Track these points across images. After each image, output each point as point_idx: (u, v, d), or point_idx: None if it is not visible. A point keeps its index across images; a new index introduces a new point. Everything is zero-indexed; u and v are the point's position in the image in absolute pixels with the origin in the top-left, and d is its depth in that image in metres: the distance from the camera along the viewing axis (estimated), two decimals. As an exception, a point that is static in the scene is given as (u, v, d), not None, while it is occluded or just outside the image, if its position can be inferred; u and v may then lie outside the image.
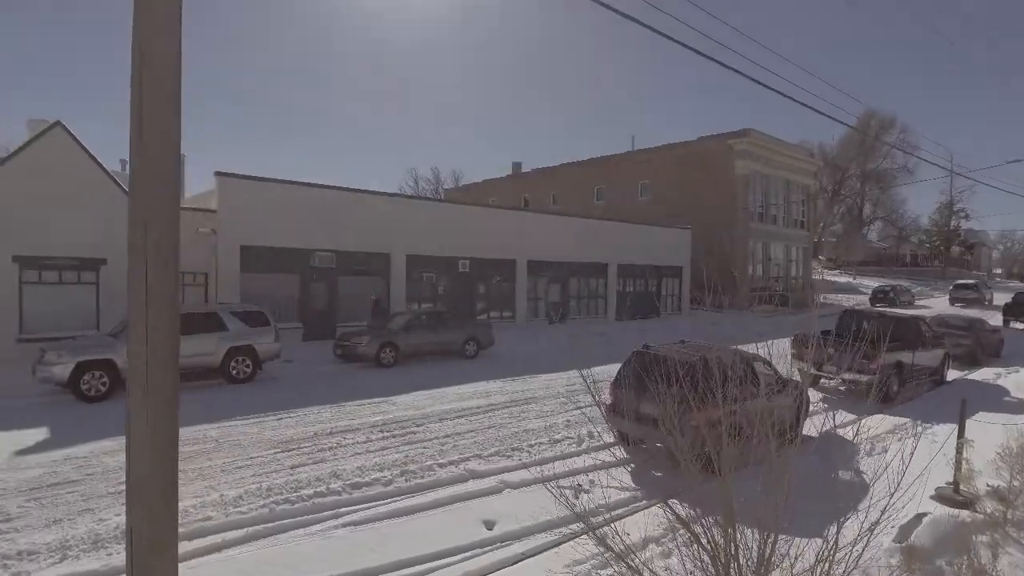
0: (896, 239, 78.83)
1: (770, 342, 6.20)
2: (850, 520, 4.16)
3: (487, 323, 18.20)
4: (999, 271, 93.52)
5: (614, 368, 9.59)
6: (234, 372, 13.23)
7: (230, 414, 10.52)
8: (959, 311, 35.26)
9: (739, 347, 9.69)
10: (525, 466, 8.44)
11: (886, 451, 8.41)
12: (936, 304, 45.51)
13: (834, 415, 7.45)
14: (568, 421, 10.88)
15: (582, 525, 4.58)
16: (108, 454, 8.32)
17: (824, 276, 59.20)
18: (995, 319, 26.29)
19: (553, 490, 4.78)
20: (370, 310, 19.40)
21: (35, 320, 14.92)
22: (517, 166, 56.29)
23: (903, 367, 13.99)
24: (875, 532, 4.05)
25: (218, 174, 17.36)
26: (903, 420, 11.49)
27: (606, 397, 9.53)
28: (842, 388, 14.29)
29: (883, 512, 3.98)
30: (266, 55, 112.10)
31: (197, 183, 39.58)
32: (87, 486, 7.20)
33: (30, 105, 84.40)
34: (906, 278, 64.85)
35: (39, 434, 9.30)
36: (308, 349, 17.51)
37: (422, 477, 7.77)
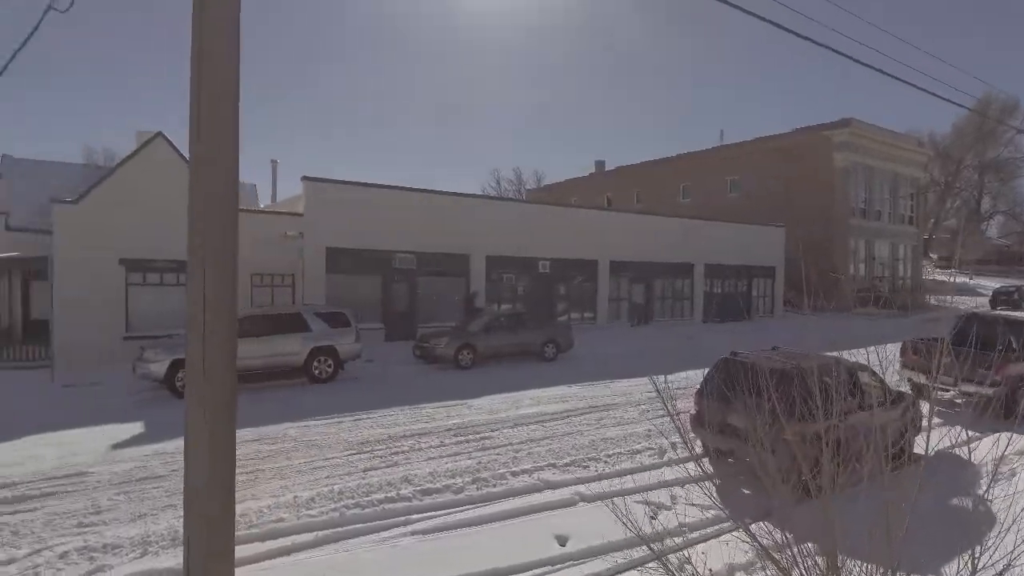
0: (1020, 235, 71.60)
1: (873, 348, 5.51)
2: (981, 560, 3.52)
3: (567, 325, 17.87)
4: None
5: (698, 375, 9.00)
6: (316, 372, 13.57)
7: (310, 413, 10.74)
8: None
9: (840, 354, 8.87)
10: (602, 477, 8.04)
11: (1015, 475, 7.40)
12: (1071, 307, 40.95)
13: (950, 431, 6.59)
14: (649, 431, 10.34)
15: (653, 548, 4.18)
16: (195, 450, 8.63)
17: (935, 276, 54.67)
18: None
19: (620, 511, 4.37)
20: (463, 307, 19.52)
21: (139, 320, 15.95)
22: (600, 165, 55.44)
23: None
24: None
25: (304, 179, 17.98)
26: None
27: (690, 406, 9.00)
28: (959, 401, 12.85)
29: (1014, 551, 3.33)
30: (342, 54, 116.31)
31: (284, 187, 41.47)
32: (171, 482, 7.45)
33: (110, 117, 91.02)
34: (1032, 277, 58.77)
35: (134, 428, 9.82)
36: (389, 349, 17.79)
37: (494, 486, 7.53)
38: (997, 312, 15.18)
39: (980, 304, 39.30)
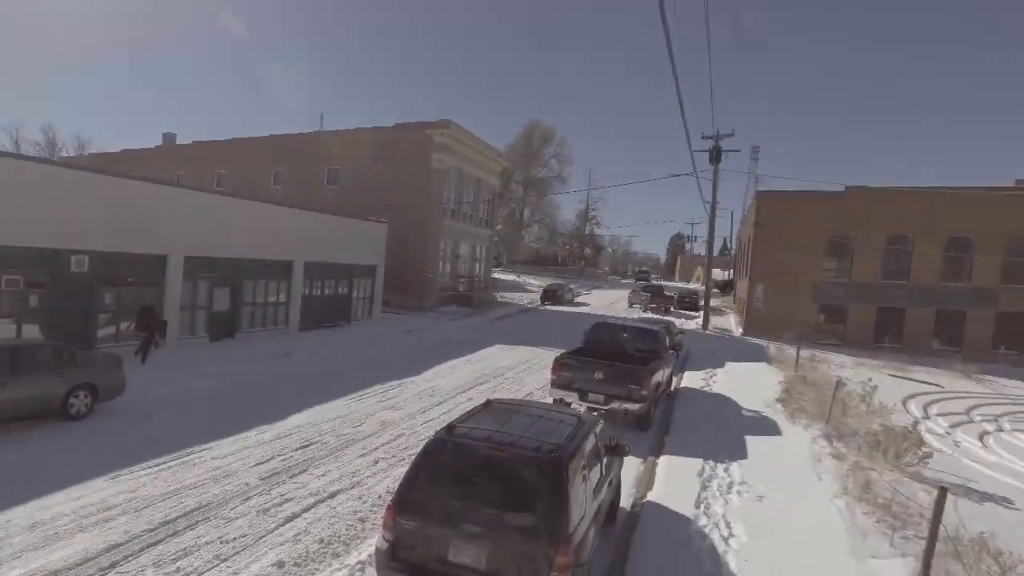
0: (548, 241, 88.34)
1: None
2: None
3: (112, 358, 11.69)
4: (607, 268, 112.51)
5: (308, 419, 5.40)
6: None
7: None
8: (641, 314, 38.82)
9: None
10: None
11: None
12: (592, 300, 50.99)
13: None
14: None
15: None
16: None
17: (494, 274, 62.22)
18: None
19: None
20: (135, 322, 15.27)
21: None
22: (169, 137, 45.63)
23: (658, 386, 12.78)
24: None
25: None
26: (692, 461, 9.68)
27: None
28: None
29: None
30: None
31: None
32: None
33: None
34: (556, 275, 72.47)
35: None
36: None
37: None
38: (617, 321, 15.75)
39: (533, 299, 45.50)
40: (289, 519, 7.22)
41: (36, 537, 6.42)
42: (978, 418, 15.97)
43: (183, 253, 17.72)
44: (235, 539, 6.66)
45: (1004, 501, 9.39)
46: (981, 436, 14.08)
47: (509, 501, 4.85)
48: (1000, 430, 14.93)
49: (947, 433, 14.03)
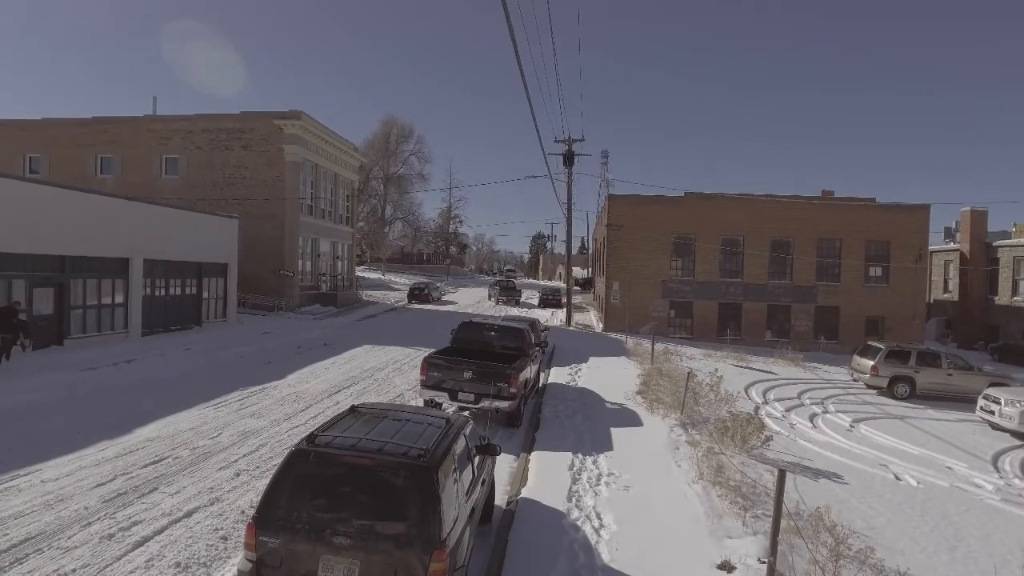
0: (412, 239, 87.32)
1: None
2: None
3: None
4: (473, 267, 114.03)
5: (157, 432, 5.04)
6: None
7: None
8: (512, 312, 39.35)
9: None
10: None
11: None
12: (459, 298, 51.18)
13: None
14: None
15: None
16: None
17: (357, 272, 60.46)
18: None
19: None
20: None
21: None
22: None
23: (527, 383, 13.05)
24: None
25: None
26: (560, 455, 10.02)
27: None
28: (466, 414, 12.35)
29: None
30: None
31: None
32: None
33: None
34: (422, 273, 72.00)
35: None
36: None
37: None
38: (484, 320, 15.84)
39: (400, 298, 44.84)
40: (139, 543, 6.51)
41: None
42: (808, 401, 18.10)
43: (-9, 248, 15.35)
44: (75, 571, 5.88)
45: (834, 476, 10.74)
46: (811, 418, 15.96)
47: (379, 510, 4.72)
48: (826, 412, 17.03)
49: (783, 416, 15.75)
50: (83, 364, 15.38)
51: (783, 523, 5.66)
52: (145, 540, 6.60)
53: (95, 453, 9.21)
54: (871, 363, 20.68)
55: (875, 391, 20.67)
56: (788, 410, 16.57)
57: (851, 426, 15.55)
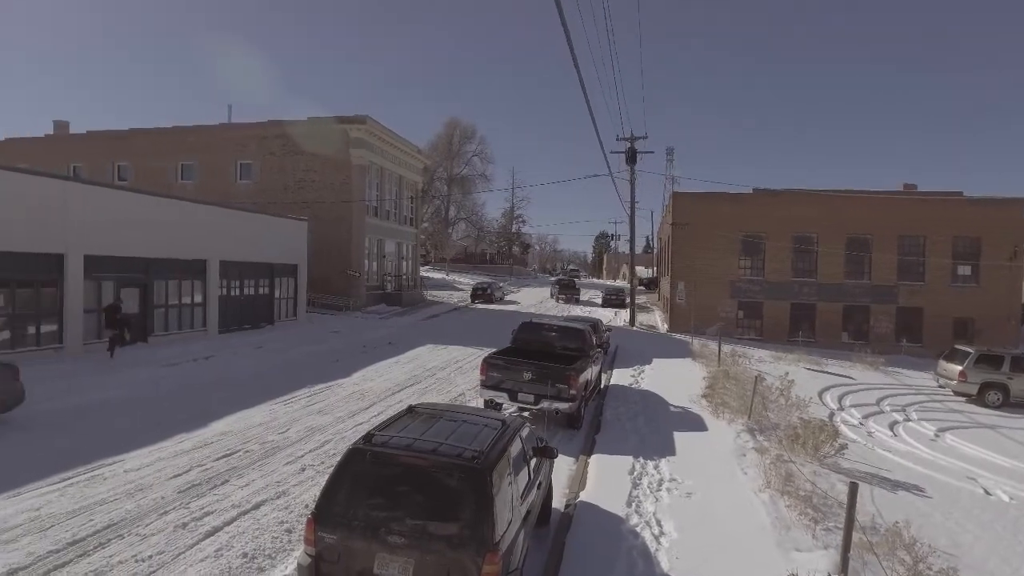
0: (476, 239, 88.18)
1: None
2: None
3: (6, 367, 10.65)
4: (536, 266, 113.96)
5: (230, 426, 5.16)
6: None
7: None
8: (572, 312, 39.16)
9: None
10: None
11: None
12: (521, 297, 51.27)
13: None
14: None
15: None
16: None
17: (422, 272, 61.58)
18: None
19: None
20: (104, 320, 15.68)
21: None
22: (62, 126, 42.14)
23: (587, 385, 12.89)
24: None
25: None
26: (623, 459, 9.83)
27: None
28: (526, 416, 12.29)
29: None
30: None
31: None
32: None
33: None
34: (485, 273, 72.52)
35: None
36: None
37: None
38: (544, 320, 15.76)
39: (463, 298, 45.32)
40: (210, 533, 6.79)
41: None
42: (888, 408, 17.08)
43: (82, 251, 16.43)
44: (151, 557, 6.19)
45: (915, 489, 10.03)
46: (891, 426, 15.02)
47: (433, 510, 4.72)
48: (908, 419, 16.01)
49: (860, 424, 14.91)
50: (165, 360, 16.26)
51: (856, 537, 5.33)
52: (215, 530, 6.87)
53: (173, 445, 9.70)
54: (959, 368, 19.34)
55: (963, 398, 19.30)
56: (866, 417, 15.69)
57: (936, 435, 14.58)
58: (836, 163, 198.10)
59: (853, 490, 5.22)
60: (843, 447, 10.35)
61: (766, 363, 21.98)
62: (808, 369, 21.84)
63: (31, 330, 15.41)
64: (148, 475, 8.38)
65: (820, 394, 17.59)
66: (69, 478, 8.07)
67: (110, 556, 6.15)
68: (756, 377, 13.84)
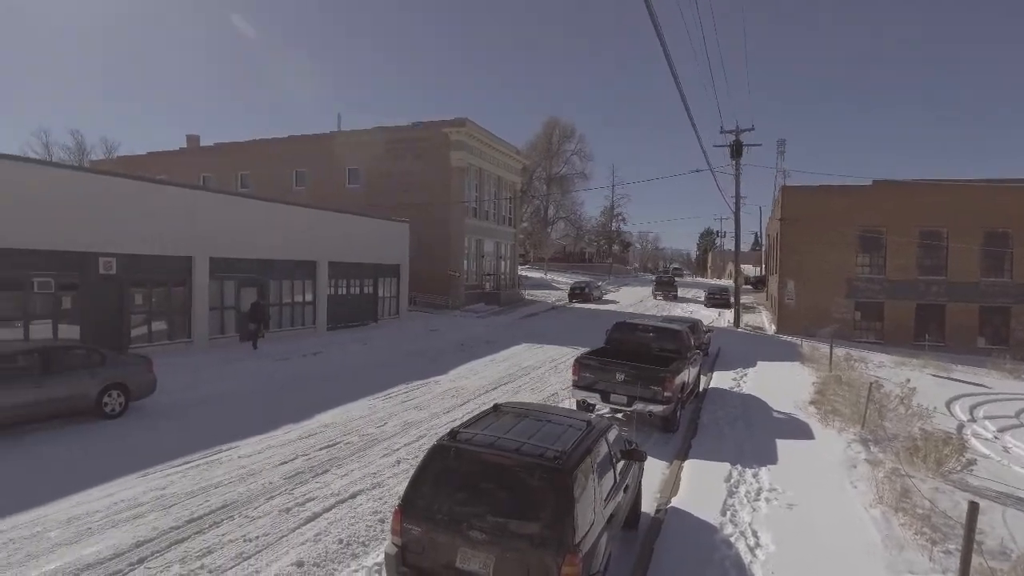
0: (575, 238, 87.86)
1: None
2: None
3: (142, 358, 11.87)
4: (636, 265, 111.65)
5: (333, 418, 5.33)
6: None
7: None
8: (673, 313, 38.22)
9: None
10: None
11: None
12: (620, 297, 50.52)
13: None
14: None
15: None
16: None
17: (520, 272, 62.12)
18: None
19: None
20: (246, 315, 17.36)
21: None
22: (193, 140, 46.27)
23: (683, 387, 12.48)
24: None
25: None
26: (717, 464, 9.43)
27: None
28: (619, 417, 12.05)
29: None
30: None
31: None
32: None
33: None
34: (585, 272, 72.05)
35: None
36: None
37: None
38: (640, 320, 15.45)
39: (560, 297, 45.28)
40: (311, 519, 7.20)
41: (71, 532, 6.58)
42: (1028, 421, 15.29)
43: (208, 254, 17.96)
44: (257, 538, 6.65)
45: (1057, 511, 8.92)
46: (1032, 441, 13.43)
47: (514, 508, 4.73)
48: (1053, 434, 14.26)
49: (995, 438, 13.42)
50: (278, 355, 17.43)
51: (978, 562, 4.79)
52: (315, 516, 7.27)
53: (282, 435, 10.37)
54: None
55: None
56: (1002, 431, 14.10)
57: (1090, 454, 12.85)
58: (962, 152, 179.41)
59: (973, 509, 4.69)
60: (971, 463, 9.34)
61: (886, 368, 20.31)
62: (935, 376, 19.94)
63: (163, 326, 17.02)
64: (259, 461, 9.01)
65: (948, 404, 16.01)
66: (191, 461, 8.85)
67: (222, 535, 6.67)
68: (871, 383, 12.80)
